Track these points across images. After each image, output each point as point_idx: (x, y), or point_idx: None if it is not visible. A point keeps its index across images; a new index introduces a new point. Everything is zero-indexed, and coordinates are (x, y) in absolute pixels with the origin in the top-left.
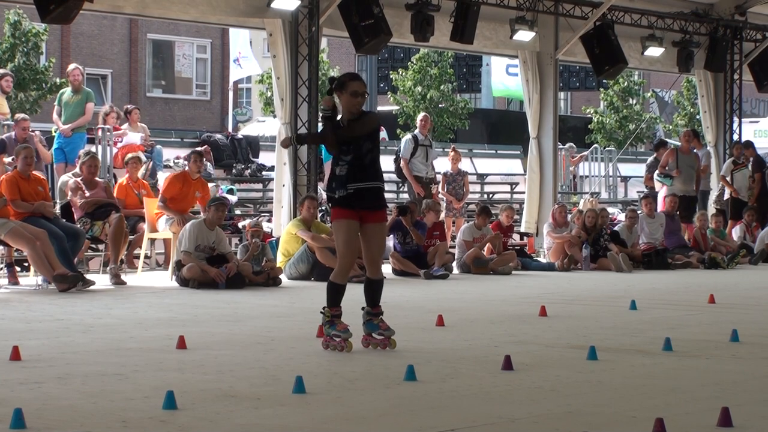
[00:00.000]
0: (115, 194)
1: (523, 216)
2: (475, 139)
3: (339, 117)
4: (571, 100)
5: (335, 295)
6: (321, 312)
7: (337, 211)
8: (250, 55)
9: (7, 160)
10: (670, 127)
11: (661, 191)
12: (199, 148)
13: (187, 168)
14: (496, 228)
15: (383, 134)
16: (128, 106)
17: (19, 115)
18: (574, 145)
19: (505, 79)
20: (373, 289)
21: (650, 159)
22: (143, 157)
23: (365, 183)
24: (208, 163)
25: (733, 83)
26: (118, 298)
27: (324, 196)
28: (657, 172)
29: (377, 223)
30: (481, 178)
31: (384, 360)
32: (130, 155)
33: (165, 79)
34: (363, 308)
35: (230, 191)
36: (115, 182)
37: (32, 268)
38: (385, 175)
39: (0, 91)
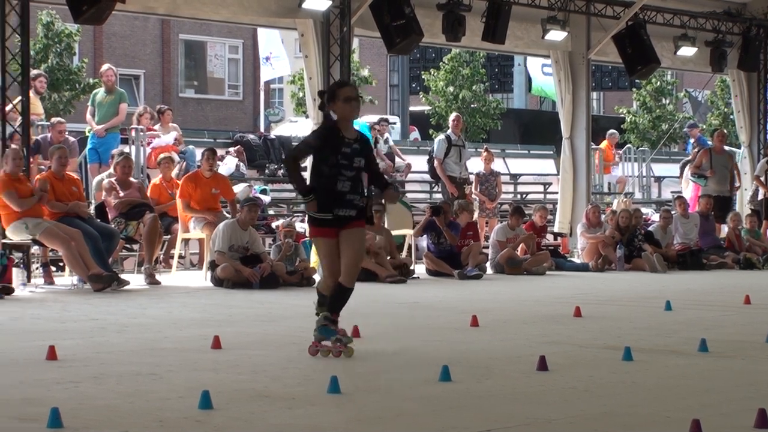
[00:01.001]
0: (149, 194)
1: (557, 216)
2: (507, 140)
3: (335, 120)
4: (603, 100)
5: (325, 301)
6: (316, 314)
7: (318, 230)
8: (282, 55)
9: (40, 161)
10: (704, 126)
11: (688, 190)
12: (231, 148)
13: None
14: (529, 228)
15: (416, 134)
16: (161, 106)
17: (55, 119)
18: (616, 132)
19: (540, 78)
20: (342, 296)
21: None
22: (176, 158)
23: (359, 207)
24: (241, 164)
25: (767, 83)
26: (153, 298)
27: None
28: (690, 172)
29: (353, 228)
30: (514, 178)
31: (419, 360)
32: (162, 155)
33: (197, 80)
34: (318, 313)
35: (263, 191)
36: (149, 182)
37: (67, 268)
38: (417, 175)
39: (34, 92)
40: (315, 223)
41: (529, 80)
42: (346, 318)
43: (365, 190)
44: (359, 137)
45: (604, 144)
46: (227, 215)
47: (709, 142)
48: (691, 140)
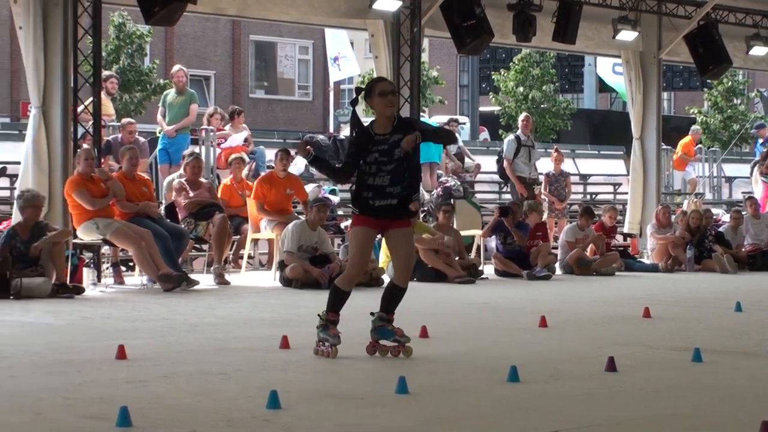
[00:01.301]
0: (219, 195)
1: (627, 217)
2: (577, 140)
3: (371, 122)
4: (674, 100)
5: (338, 300)
6: (372, 314)
7: (360, 219)
8: (350, 56)
9: (111, 162)
10: None
11: (758, 190)
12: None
13: (274, 167)
14: (599, 229)
15: (485, 135)
16: (234, 107)
17: (126, 120)
18: (699, 128)
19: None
20: (395, 296)
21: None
22: (246, 158)
23: (401, 195)
24: None
25: None
26: (222, 298)
27: (425, 197)
28: (760, 172)
29: (401, 228)
30: (584, 178)
31: (487, 361)
32: (233, 156)
33: (267, 80)
34: (373, 313)
35: (332, 192)
36: (219, 183)
37: (137, 268)
38: (486, 175)
39: (105, 93)
40: (357, 213)
41: (600, 80)
42: (415, 318)
43: (409, 183)
44: (397, 125)
45: (686, 139)
46: (298, 216)
47: None
48: (760, 140)
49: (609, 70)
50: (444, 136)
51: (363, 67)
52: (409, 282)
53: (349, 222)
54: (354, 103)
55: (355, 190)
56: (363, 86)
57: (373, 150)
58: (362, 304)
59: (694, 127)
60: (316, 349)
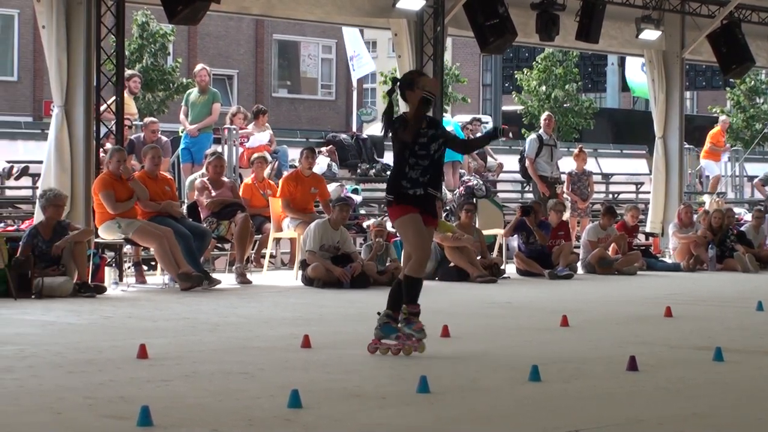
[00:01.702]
0: (241, 194)
1: (649, 216)
2: (600, 139)
3: (402, 114)
4: (697, 99)
5: (414, 290)
6: (378, 313)
7: (404, 208)
8: (365, 54)
9: (133, 162)
10: None
11: None
12: (323, 148)
13: (299, 166)
14: (621, 228)
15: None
16: (259, 106)
17: (148, 119)
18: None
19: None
20: (414, 287)
21: None
22: (269, 157)
23: (436, 190)
24: (333, 163)
25: None
26: (244, 298)
27: (448, 196)
28: None
29: (431, 226)
30: (606, 177)
31: (507, 360)
32: (255, 155)
33: (290, 80)
34: (379, 313)
35: (355, 191)
36: (241, 182)
37: (159, 267)
38: (509, 174)
39: (128, 92)
40: (396, 202)
41: (623, 80)
42: (437, 317)
43: (432, 176)
44: (429, 122)
45: (715, 129)
46: (320, 215)
47: None
48: None
49: (637, 69)
50: (461, 145)
51: (386, 65)
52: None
53: (371, 222)
54: (391, 92)
55: (392, 179)
56: (398, 78)
57: (417, 141)
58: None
59: (722, 117)
60: (377, 347)
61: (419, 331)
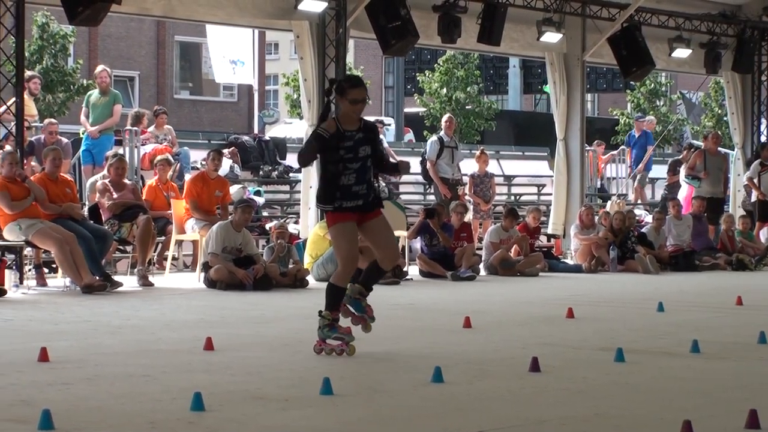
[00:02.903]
0: (144, 195)
1: (550, 218)
2: (501, 141)
3: (336, 116)
4: (598, 101)
5: (337, 298)
6: (319, 312)
7: (337, 216)
8: (249, 63)
9: (33, 163)
10: (698, 128)
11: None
12: (225, 150)
13: (204, 168)
14: (522, 230)
15: (410, 136)
16: (157, 108)
17: (47, 120)
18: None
19: None
20: (377, 275)
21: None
22: (172, 159)
23: (371, 192)
24: (235, 165)
25: (761, 85)
26: (146, 300)
27: None
28: (685, 173)
29: (374, 218)
30: (508, 179)
31: (411, 362)
32: (159, 157)
33: (192, 81)
34: (320, 312)
35: (257, 193)
36: (143, 184)
37: (60, 270)
38: (412, 176)
39: (28, 93)
40: (330, 210)
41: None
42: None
43: (372, 179)
44: (363, 126)
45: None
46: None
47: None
48: (635, 133)
49: None
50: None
51: (288, 67)
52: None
53: (273, 223)
54: (328, 93)
55: (322, 188)
56: (336, 79)
57: (342, 146)
58: (286, 305)
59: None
60: (322, 348)
61: (347, 334)
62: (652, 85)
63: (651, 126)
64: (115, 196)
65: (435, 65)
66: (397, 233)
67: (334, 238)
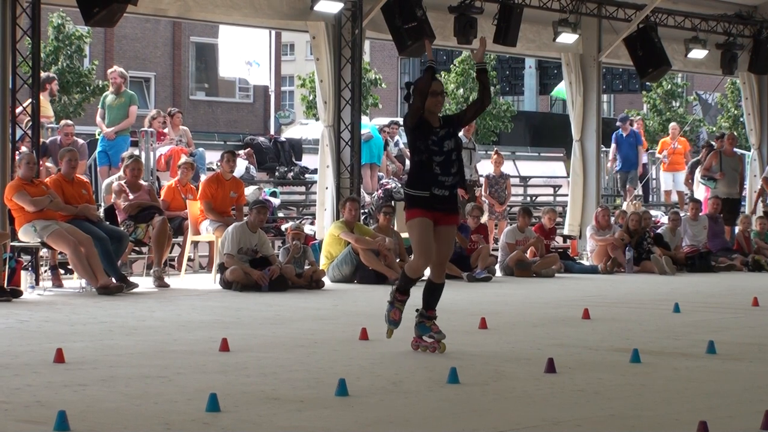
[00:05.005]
0: (162, 196)
1: (566, 219)
2: (517, 142)
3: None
4: (614, 102)
5: (406, 284)
6: (417, 309)
7: (414, 211)
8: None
9: (49, 164)
10: (714, 129)
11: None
12: (241, 151)
13: (219, 169)
14: (538, 231)
15: None
16: (171, 109)
17: (63, 121)
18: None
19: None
20: (434, 293)
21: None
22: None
23: (452, 186)
24: (251, 166)
25: None
26: (162, 301)
27: (366, 198)
28: (701, 174)
29: (450, 225)
30: (524, 180)
31: (427, 362)
32: (183, 160)
33: (208, 82)
34: (417, 310)
35: (273, 194)
36: (159, 185)
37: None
38: None
39: (48, 94)
40: (411, 205)
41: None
42: (356, 320)
43: (457, 171)
44: (444, 121)
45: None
46: (236, 220)
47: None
48: (623, 133)
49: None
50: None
51: (304, 68)
52: (444, 276)
53: (289, 224)
54: (407, 98)
55: (409, 178)
56: (412, 81)
57: (429, 138)
58: (302, 306)
59: (671, 124)
60: (418, 345)
61: (437, 332)
62: (669, 86)
63: (639, 125)
64: (131, 197)
65: (451, 66)
66: None
67: (411, 230)
